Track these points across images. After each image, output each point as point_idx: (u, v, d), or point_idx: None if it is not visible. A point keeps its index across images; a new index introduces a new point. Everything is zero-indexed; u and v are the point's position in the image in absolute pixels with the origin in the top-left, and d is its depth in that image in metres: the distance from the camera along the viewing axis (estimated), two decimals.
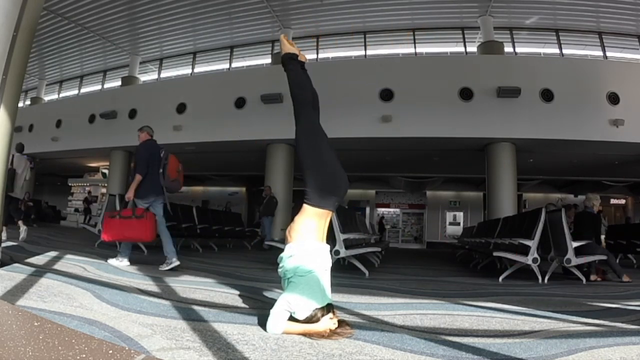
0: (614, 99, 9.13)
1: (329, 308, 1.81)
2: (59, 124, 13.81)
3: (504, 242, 5.30)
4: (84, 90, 16.75)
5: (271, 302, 2.10)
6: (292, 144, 10.75)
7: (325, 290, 1.88)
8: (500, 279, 4.55)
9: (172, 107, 11.54)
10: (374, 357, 1.54)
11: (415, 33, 12.27)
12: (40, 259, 3.98)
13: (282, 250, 1.99)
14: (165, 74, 15.14)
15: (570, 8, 10.58)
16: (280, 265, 1.94)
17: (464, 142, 9.90)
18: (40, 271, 3.13)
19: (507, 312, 2.58)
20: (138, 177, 4.08)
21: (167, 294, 2.66)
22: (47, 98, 17.41)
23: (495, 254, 4.75)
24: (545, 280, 4.49)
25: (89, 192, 14.15)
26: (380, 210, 19.28)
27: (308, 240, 1.92)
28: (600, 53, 11.48)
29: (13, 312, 1.62)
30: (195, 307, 2.22)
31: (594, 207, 5.42)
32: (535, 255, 4.47)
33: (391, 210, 19.26)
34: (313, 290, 1.81)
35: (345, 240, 4.54)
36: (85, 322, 1.76)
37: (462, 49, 12.12)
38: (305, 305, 1.77)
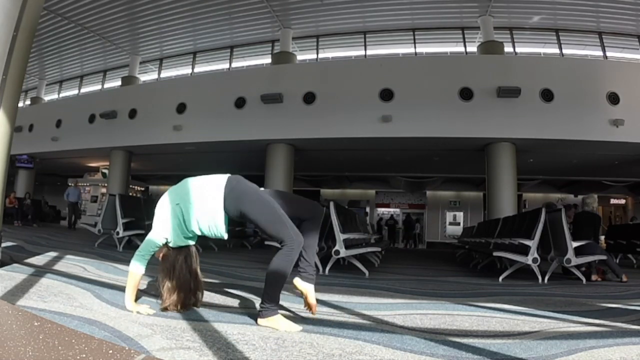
0: (614, 99, 9.13)
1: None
2: (59, 124, 13.80)
3: (504, 242, 5.29)
4: (84, 90, 16.75)
5: None
6: (293, 144, 10.80)
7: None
8: (500, 279, 4.54)
9: (172, 107, 11.53)
10: (374, 357, 1.54)
11: (415, 33, 12.27)
12: (40, 259, 3.98)
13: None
14: (165, 74, 15.14)
15: (570, 8, 10.58)
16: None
17: (464, 142, 9.89)
18: (40, 271, 3.13)
19: (507, 312, 2.58)
20: None
21: None
22: (47, 98, 17.41)
23: (495, 254, 4.75)
24: (545, 280, 4.48)
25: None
26: (381, 210, 19.28)
27: None
28: (600, 53, 11.48)
29: (13, 312, 1.62)
30: (195, 307, 2.22)
31: (593, 208, 5.44)
32: (535, 255, 4.47)
33: (391, 210, 19.26)
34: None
35: (345, 240, 4.54)
36: (85, 322, 1.76)
37: (462, 49, 12.12)
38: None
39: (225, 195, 2.01)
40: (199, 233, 2.12)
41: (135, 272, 2.11)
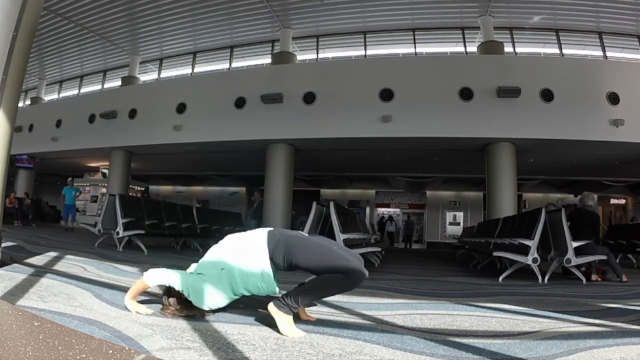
0: (614, 99, 9.13)
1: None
2: (59, 124, 13.80)
3: (504, 242, 5.29)
4: (84, 90, 16.76)
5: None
6: (293, 144, 10.79)
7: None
8: (500, 279, 4.54)
9: (172, 107, 11.53)
10: (374, 357, 1.54)
11: (415, 33, 12.27)
12: (40, 259, 3.98)
13: None
14: (165, 74, 15.14)
15: (570, 8, 10.58)
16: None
17: (464, 142, 9.89)
18: (40, 271, 3.13)
19: (507, 312, 2.58)
20: None
21: None
22: (47, 98, 17.41)
23: (495, 254, 4.75)
24: (545, 280, 4.48)
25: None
26: (381, 210, 19.27)
27: None
28: (600, 53, 11.48)
29: (13, 312, 1.62)
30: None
31: (592, 206, 5.43)
32: (535, 255, 4.47)
33: (391, 210, 19.25)
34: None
35: (345, 240, 4.54)
36: (85, 322, 1.76)
37: (462, 49, 12.12)
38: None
39: (271, 253, 1.94)
40: (247, 294, 2.03)
41: (148, 283, 2.04)
